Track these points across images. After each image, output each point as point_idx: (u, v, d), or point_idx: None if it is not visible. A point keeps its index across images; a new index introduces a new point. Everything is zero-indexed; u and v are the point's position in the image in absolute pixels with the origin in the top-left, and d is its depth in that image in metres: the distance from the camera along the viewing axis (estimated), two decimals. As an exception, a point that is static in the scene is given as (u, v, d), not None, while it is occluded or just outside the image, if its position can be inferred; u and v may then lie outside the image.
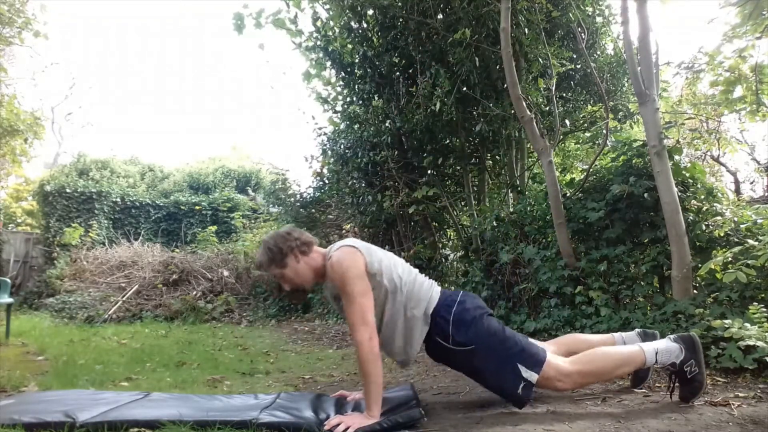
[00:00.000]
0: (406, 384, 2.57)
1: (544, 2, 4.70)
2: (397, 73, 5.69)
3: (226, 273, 8.35)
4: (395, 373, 3.17)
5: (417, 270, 2.29)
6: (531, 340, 2.15)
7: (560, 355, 2.13)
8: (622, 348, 2.14)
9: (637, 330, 2.33)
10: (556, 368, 2.02)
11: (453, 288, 5.11)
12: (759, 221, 3.24)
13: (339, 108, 6.68)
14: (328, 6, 5.91)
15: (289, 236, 2.15)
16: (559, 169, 5.25)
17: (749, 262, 2.64)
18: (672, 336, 2.14)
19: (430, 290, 2.16)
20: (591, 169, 4.13)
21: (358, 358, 1.95)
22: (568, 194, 4.13)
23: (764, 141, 10.33)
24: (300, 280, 2.14)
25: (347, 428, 1.79)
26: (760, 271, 2.81)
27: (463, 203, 5.95)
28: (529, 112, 4.04)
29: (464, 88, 4.92)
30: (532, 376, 1.99)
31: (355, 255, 2.03)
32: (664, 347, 2.07)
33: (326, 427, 1.82)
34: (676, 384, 2.10)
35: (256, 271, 2.20)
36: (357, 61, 5.81)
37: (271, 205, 9.51)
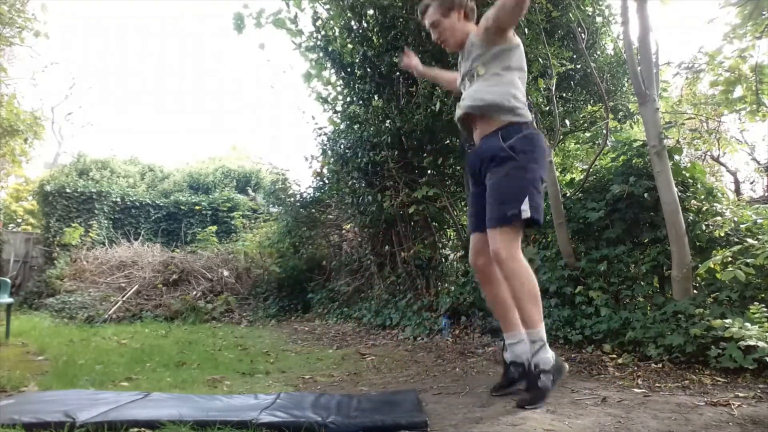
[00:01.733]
0: (411, 390, 2.56)
1: (544, 2, 4.70)
2: (397, 73, 5.69)
3: (226, 273, 8.35)
4: (396, 372, 3.17)
5: None
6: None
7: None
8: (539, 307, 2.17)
9: None
10: (518, 247, 2.12)
11: (452, 288, 5.12)
12: (759, 221, 3.25)
13: (339, 108, 6.68)
14: (328, 6, 5.91)
15: None
16: (559, 169, 5.25)
17: (748, 261, 2.64)
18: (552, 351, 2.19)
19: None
20: (591, 169, 4.13)
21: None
22: (568, 194, 4.13)
23: (764, 141, 10.34)
24: (451, 37, 2.33)
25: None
26: (760, 270, 2.81)
27: (463, 203, 5.95)
28: (529, 112, 4.03)
29: (464, 88, 4.92)
30: (525, 213, 2.07)
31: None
32: (547, 349, 2.12)
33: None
34: (515, 372, 2.23)
35: (420, 16, 2.30)
36: (357, 61, 5.81)
37: (271, 205, 9.50)
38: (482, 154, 2.23)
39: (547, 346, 2.14)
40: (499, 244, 2.08)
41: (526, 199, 2.07)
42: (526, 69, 2.31)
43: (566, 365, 2.25)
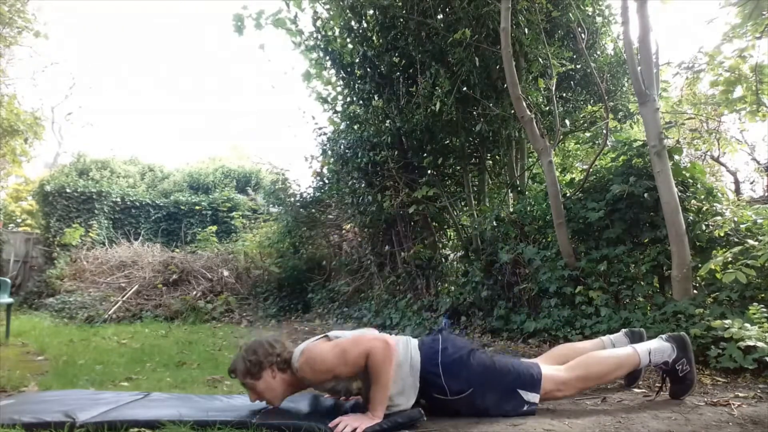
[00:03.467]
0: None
1: (544, 2, 4.70)
2: (397, 73, 5.69)
3: (226, 273, 8.35)
4: (395, 373, 3.16)
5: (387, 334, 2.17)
6: (522, 359, 2.16)
7: (556, 364, 2.14)
8: (617, 351, 2.15)
9: (623, 330, 2.35)
10: (553, 380, 2.04)
11: (452, 288, 5.12)
12: (759, 221, 3.24)
13: (339, 108, 6.68)
14: (328, 6, 5.91)
15: (271, 349, 2.01)
16: (559, 169, 5.25)
17: (749, 261, 2.64)
18: (663, 336, 2.17)
19: (407, 348, 2.04)
20: (591, 169, 4.13)
21: (370, 360, 1.86)
22: (568, 194, 4.13)
23: (764, 141, 10.34)
24: (269, 395, 2.01)
25: (354, 429, 1.76)
26: (760, 271, 2.81)
27: (463, 203, 5.95)
28: (529, 112, 4.04)
29: (464, 88, 4.92)
30: (534, 397, 2.00)
31: (317, 345, 1.96)
32: (657, 347, 2.10)
33: (330, 425, 1.80)
34: (667, 383, 2.14)
35: (231, 376, 1.99)
36: (357, 61, 5.81)
37: (271, 205, 9.50)
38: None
39: (653, 343, 2.12)
40: (557, 394, 2.08)
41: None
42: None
43: (685, 336, 2.15)
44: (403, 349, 2.01)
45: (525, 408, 1.99)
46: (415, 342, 2.09)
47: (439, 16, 5.19)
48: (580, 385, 2.08)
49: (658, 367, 2.12)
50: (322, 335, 2.05)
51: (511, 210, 4.83)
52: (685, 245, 3.11)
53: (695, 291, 3.15)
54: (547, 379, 2.03)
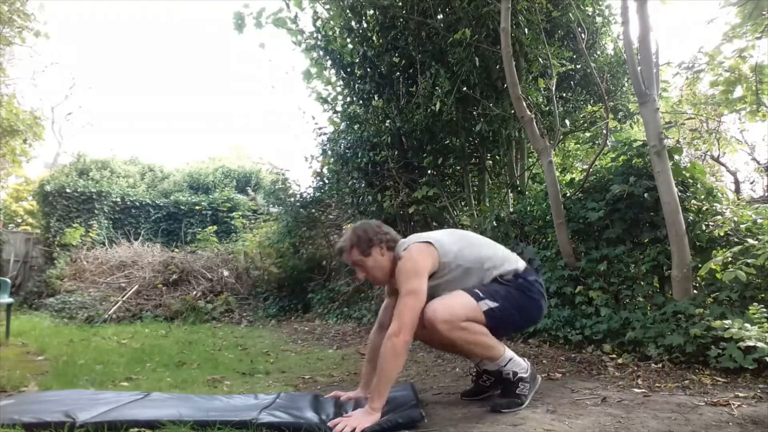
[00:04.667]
0: (406, 384, 2.57)
1: (544, 2, 4.70)
2: (397, 73, 5.69)
3: (226, 273, 8.35)
4: (395, 373, 3.16)
5: (500, 246, 2.31)
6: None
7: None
8: (493, 338, 2.13)
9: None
10: (462, 314, 2.04)
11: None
12: (759, 221, 3.24)
13: (339, 108, 6.68)
14: (328, 6, 5.91)
15: (380, 228, 2.19)
16: (559, 169, 5.25)
17: (749, 261, 2.64)
18: (525, 359, 2.21)
19: (503, 263, 2.17)
20: (591, 169, 4.13)
21: (381, 349, 1.95)
22: (568, 194, 4.12)
23: (764, 141, 10.35)
24: (378, 273, 2.16)
25: (353, 429, 1.78)
26: (760, 270, 2.81)
27: (463, 203, 5.95)
28: (529, 112, 4.04)
29: (464, 88, 4.92)
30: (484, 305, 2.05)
31: (423, 252, 2.07)
32: (518, 360, 2.15)
33: (329, 424, 1.82)
34: (497, 391, 2.22)
35: (339, 258, 2.24)
36: (357, 61, 5.81)
37: (271, 205, 9.50)
38: None
39: (516, 356, 2.17)
40: (441, 324, 2.03)
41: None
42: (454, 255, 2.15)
43: (539, 377, 2.27)
44: (500, 259, 2.17)
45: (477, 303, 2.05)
46: (514, 267, 2.18)
47: (439, 16, 5.19)
48: (457, 335, 2.03)
49: (504, 375, 2.14)
50: (426, 239, 2.12)
51: (511, 210, 4.84)
52: (685, 245, 3.11)
53: (695, 291, 3.15)
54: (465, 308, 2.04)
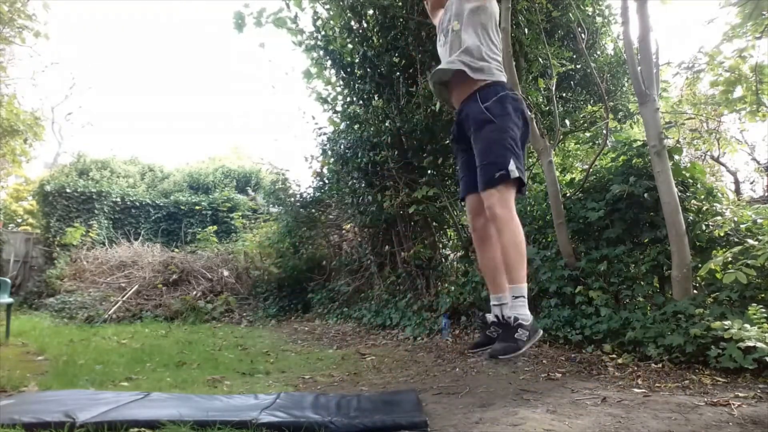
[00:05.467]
0: (411, 390, 2.57)
1: (544, 2, 4.70)
2: (397, 73, 5.69)
3: (226, 273, 8.35)
4: (395, 372, 3.17)
5: None
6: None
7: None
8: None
9: None
10: (512, 203, 2.18)
11: (452, 288, 5.11)
12: (759, 221, 3.24)
13: (339, 108, 6.67)
14: (328, 6, 5.91)
15: None
16: (559, 169, 5.25)
17: (749, 261, 2.64)
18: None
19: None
20: (591, 169, 4.12)
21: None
22: (568, 194, 4.12)
23: (764, 141, 10.35)
24: None
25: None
26: (760, 271, 2.81)
27: (463, 203, 5.94)
28: (529, 112, 4.03)
29: (464, 88, 4.91)
30: (513, 173, 2.12)
31: None
32: (525, 307, 2.15)
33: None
34: (494, 332, 2.23)
35: None
36: (357, 61, 5.80)
37: (271, 205, 9.50)
38: (465, 120, 2.28)
39: (527, 305, 2.15)
40: (494, 201, 2.15)
41: (512, 159, 2.13)
42: (499, 28, 2.36)
43: (541, 331, 2.27)
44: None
45: (499, 173, 2.13)
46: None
47: (439, 16, 5.19)
48: (511, 230, 2.13)
49: (503, 319, 2.16)
50: None
51: (511, 210, 4.82)
52: (685, 245, 3.11)
53: (695, 291, 3.15)
54: (513, 196, 2.19)
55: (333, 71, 6.41)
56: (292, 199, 8.05)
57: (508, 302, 2.20)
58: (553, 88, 4.64)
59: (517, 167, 2.12)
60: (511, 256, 2.13)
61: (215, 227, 10.49)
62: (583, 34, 4.55)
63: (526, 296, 2.15)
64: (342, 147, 6.22)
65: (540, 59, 4.85)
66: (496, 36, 2.30)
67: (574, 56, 5.30)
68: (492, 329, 2.29)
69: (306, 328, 6.00)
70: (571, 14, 4.88)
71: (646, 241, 3.59)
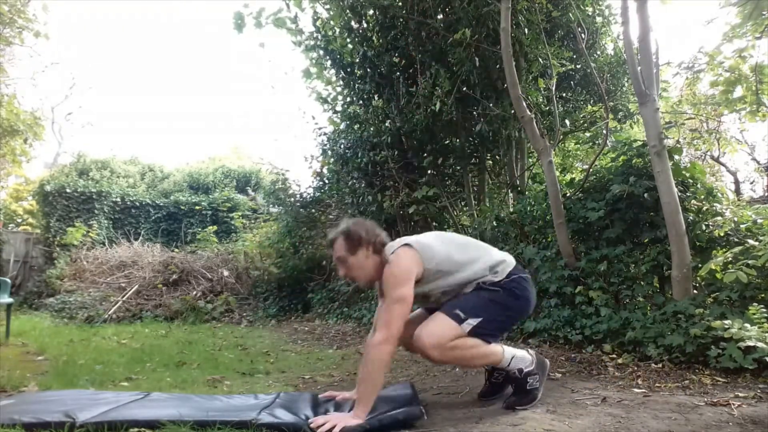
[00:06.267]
0: (406, 383, 2.57)
1: (544, 2, 4.70)
2: (397, 73, 5.69)
3: (226, 273, 8.35)
4: (396, 372, 3.17)
5: (487, 247, 2.28)
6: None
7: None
8: (488, 345, 2.12)
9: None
10: (449, 336, 2.02)
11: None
12: (759, 221, 3.24)
13: (339, 108, 6.68)
14: (328, 6, 5.92)
15: (372, 229, 2.16)
16: (559, 169, 5.25)
17: (749, 262, 2.64)
18: (530, 350, 2.23)
19: (489, 264, 2.14)
20: (591, 169, 4.12)
21: (364, 357, 1.96)
22: (568, 194, 4.12)
23: (764, 141, 10.35)
24: (360, 273, 2.13)
25: (333, 427, 1.79)
26: (760, 271, 2.81)
27: (463, 203, 5.95)
28: (529, 112, 4.04)
29: (464, 88, 4.92)
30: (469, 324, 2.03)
31: (409, 258, 2.04)
32: (521, 355, 2.15)
33: (312, 425, 1.82)
34: (499, 377, 2.25)
35: (329, 248, 2.22)
36: (357, 61, 5.81)
37: (271, 205, 9.50)
38: None
39: (518, 351, 2.16)
40: (432, 351, 2.03)
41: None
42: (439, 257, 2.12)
43: (546, 360, 2.27)
44: (481, 268, 2.12)
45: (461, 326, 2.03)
46: (503, 268, 2.15)
47: (439, 16, 5.19)
48: (451, 355, 2.05)
49: (512, 373, 2.13)
50: (410, 242, 2.10)
51: (511, 210, 4.83)
52: (685, 245, 3.11)
53: (695, 291, 3.14)
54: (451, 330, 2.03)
55: (333, 71, 6.42)
56: (292, 199, 8.06)
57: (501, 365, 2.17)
58: (553, 88, 4.64)
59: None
60: (476, 363, 2.17)
61: (215, 227, 10.49)
62: (583, 34, 4.55)
63: (512, 353, 2.14)
64: (342, 147, 6.22)
65: (540, 59, 4.85)
66: (442, 269, 2.10)
67: (574, 56, 5.30)
68: (496, 375, 2.30)
69: (306, 328, 6.00)
70: (571, 14, 4.88)
71: (646, 241, 3.59)
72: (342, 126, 6.47)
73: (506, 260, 2.20)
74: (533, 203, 4.48)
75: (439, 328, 2.02)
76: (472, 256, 2.16)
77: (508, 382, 2.22)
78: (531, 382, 2.11)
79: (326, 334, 5.39)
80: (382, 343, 1.91)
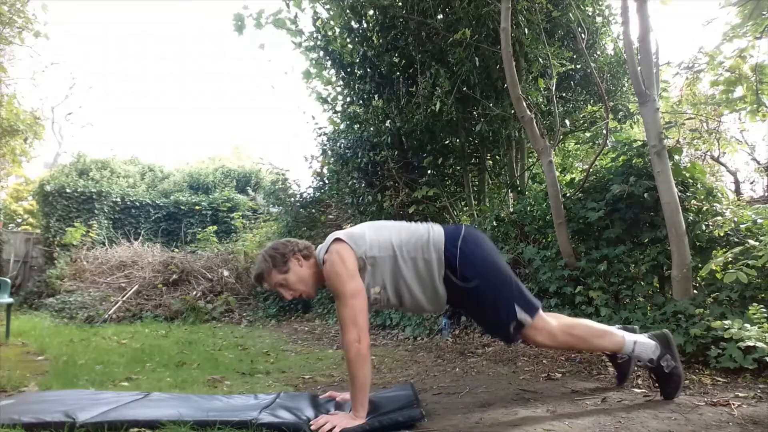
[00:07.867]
0: (406, 384, 2.57)
1: (544, 2, 4.70)
2: (397, 73, 5.69)
3: (226, 273, 8.35)
4: (395, 372, 3.17)
5: (413, 224, 2.21)
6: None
7: None
8: (605, 326, 2.23)
9: (617, 326, 2.38)
10: (545, 323, 2.10)
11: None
12: (759, 221, 3.24)
13: (339, 108, 6.68)
14: (328, 6, 5.91)
15: (288, 242, 2.14)
16: (559, 169, 5.24)
17: (749, 262, 2.64)
18: (647, 333, 2.23)
19: (428, 233, 2.10)
20: (591, 169, 4.12)
21: (346, 359, 1.95)
22: (568, 194, 4.12)
23: (764, 141, 10.34)
24: (304, 286, 2.10)
25: (333, 428, 1.79)
26: (761, 271, 2.81)
27: (463, 203, 5.95)
28: (529, 112, 4.03)
29: (464, 88, 4.92)
30: (526, 318, 2.05)
31: (342, 251, 1.99)
32: (643, 341, 2.15)
33: (313, 427, 1.82)
34: (621, 358, 2.28)
35: (260, 286, 2.13)
36: (357, 61, 5.81)
37: (271, 205, 9.50)
38: None
39: (639, 338, 2.16)
40: (538, 338, 2.14)
41: None
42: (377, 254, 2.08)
43: (667, 332, 2.23)
44: (423, 233, 2.09)
45: (514, 324, 2.06)
46: (439, 227, 2.14)
47: (439, 16, 5.19)
48: (563, 339, 2.10)
49: (645, 365, 2.17)
50: (335, 238, 2.05)
51: (511, 210, 4.83)
52: (685, 245, 3.11)
53: (695, 291, 3.14)
54: (542, 318, 2.10)
55: (333, 71, 6.41)
56: (292, 199, 8.06)
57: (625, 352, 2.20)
58: (553, 88, 4.63)
59: None
60: (596, 344, 2.20)
61: (215, 227, 10.49)
62: (583, 34, 4.55)
63: (633, 338, 2.15)
64: (342, 147, 6.22)
65: (540, 59, 4.85)
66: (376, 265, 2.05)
67: (574, 56, 5.30)
68: (619, 357, 2.33)
69: (306, 328, 6.00)
70: (571, 14, 4.88)
71: (646, 241, 3.59)
72: (342, 126, 6.47)
73: (434, 231, 2.12)
74: (533, 203, 4.48)
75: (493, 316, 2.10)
76: (403, 237, 2.09)
77: (652, 374, 2.22)
78: (666, 365, 2.10)
79: (326, 334, 5.39)
80: (355, 341, 1.91)
